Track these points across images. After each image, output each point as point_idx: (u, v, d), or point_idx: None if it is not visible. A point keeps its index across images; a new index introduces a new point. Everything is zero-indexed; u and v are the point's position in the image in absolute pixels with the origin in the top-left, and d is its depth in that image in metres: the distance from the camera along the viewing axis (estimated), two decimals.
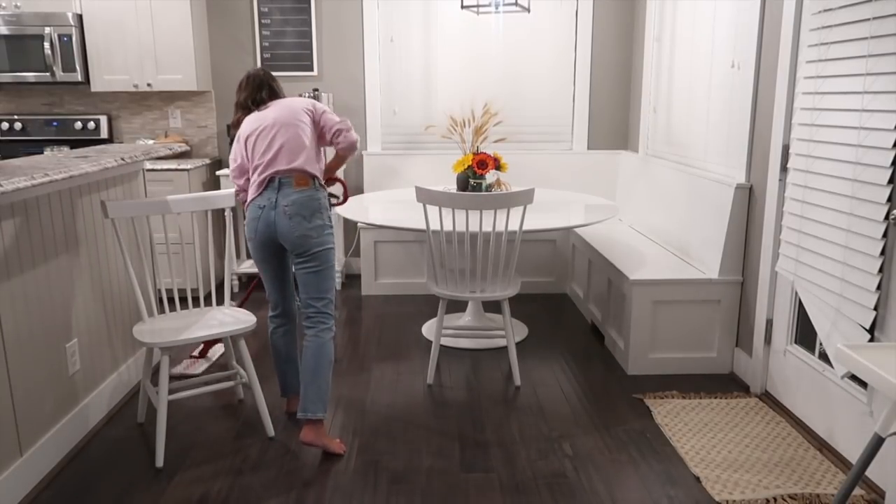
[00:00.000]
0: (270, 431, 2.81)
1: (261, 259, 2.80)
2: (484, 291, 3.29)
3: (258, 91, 2.85)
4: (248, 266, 4.96)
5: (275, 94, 2.88)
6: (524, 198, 3.07)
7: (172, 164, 4.49)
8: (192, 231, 3.17)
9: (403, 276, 4.75)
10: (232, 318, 2.77)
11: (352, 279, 4.92)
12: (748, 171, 3.30)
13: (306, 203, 2.66)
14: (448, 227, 3.45)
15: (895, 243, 2.31)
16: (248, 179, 2.76)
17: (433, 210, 3.19)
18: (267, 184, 2.68)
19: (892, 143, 2.27)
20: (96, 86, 4.67)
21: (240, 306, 3.25)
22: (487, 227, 3.44)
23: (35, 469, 2.47)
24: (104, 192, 3.03)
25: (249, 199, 2.74)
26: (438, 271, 3.38)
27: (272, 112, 2.76)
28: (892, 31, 2.28)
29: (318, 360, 2.67)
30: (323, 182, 2.79)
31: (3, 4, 4.53)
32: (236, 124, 2.83)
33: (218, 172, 4.76)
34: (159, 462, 2.59)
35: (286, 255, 2.84)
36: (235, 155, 2.79)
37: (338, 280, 4.85)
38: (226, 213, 3.00)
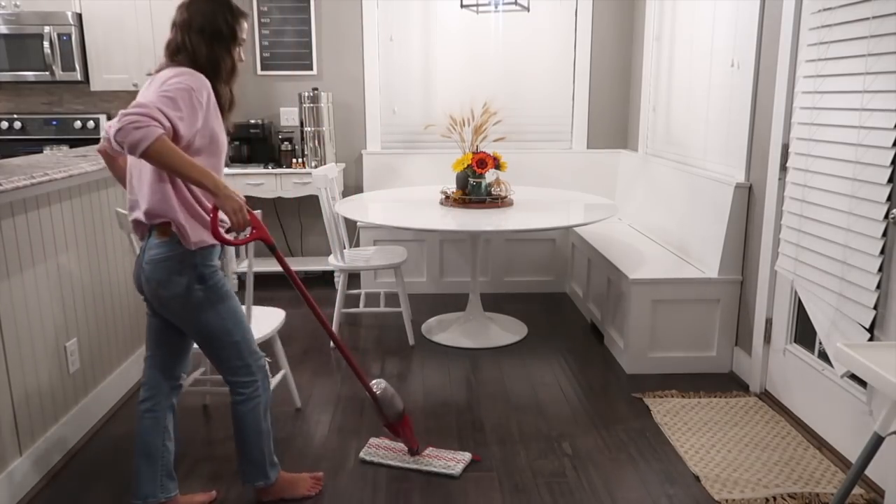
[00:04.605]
0: None
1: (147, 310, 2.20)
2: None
3: (172, 32, 2.05)
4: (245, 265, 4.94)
5: (179, 44, 2.02)
6: None
7: None
8: None
9: (403, 274, 4.75)
10: None
11: (352, 278, 4.91)
12: (748, 170, 3.30)
13: (160, 264, 2.01)
14: (447, 227, 3.45)
15: (895, 242, 2.31)
16: None
17: None
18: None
19: (891, 141, 2.27)
20: (96, 85, 4.67)
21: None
22: (488, 227, 3.44)
23: (35, 468, 2.47)
24: (103, 192, 3.02)
25: None
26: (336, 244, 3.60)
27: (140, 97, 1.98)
28: (892, 30, 2.28)
29: (239, 433, 2.23)
30: (183, 227, 1.98)
31: (3, 3, 4.53)
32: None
33: None
34: None
35: None
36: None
37: (338, 280, 4.83)
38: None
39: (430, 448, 2.69)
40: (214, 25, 2.02)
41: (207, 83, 1.99)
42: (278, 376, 2.88)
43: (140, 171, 2.02)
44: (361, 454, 2.67)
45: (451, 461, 2.59)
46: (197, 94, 1.93)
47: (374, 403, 2.51)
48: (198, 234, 2.02)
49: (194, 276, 2.03)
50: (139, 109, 1.79)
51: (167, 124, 1.83)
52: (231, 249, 2.76)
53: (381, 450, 2.69)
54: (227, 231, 2.05)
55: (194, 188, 2.00)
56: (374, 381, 2.52)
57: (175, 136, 1.87)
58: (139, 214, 2.03)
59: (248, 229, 2.02)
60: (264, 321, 2.80)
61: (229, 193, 1.92)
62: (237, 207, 1.94)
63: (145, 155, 1.78)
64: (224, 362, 2.16)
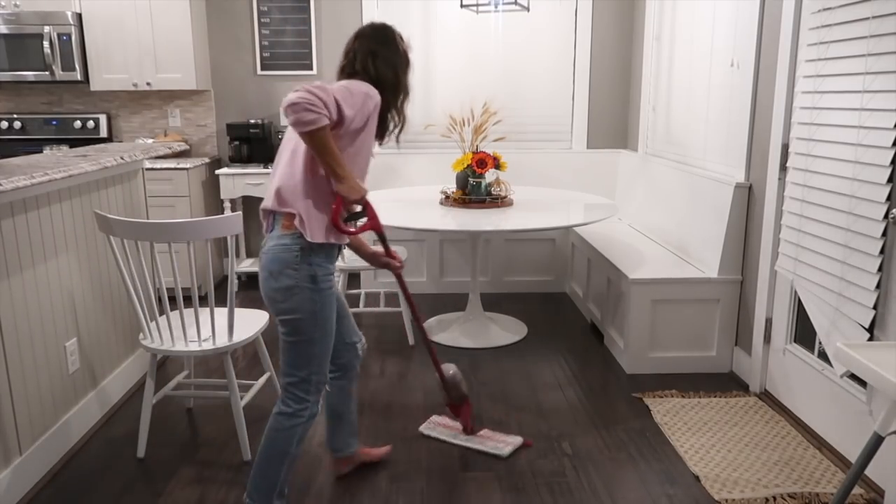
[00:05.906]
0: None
1: None
2: None
3: (344, 57, 2.21)
4: (250, 265, 4.95)
5: (357, 64, 2.15)
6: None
7: (172, 163, 4.49)
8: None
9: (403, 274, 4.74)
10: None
11: (352, 278, 4.92)
12: (747, 169, 3.30)
13: (278, 255, 2.04)
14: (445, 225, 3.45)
15: (894, 242, 2.31)
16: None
17: None
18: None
19: (891, 141, 2.27)
20: (96, 85, 4.66)
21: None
22: (487, 226, 3.44)
23: (34, 468, 2.47)
24: (103, 191, 3.02)
25: None
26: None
27: None
28: (892, 30, 2.28)
29: (266, 444, 2.15)
30: (305, 224, 2.01)
31: (3, 3, 4.53)
32: None
33: (217, 172, 4.76)
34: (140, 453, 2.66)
35: None
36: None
37: (338, 279, 4.83)
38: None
39: (485, 430, 2.84)
40: (398, 56, 2.18)
41: (379, 100, 2.09)
42: (262, 379, 2.93)
43: (292, 157, 2.06)
44: (421, 428, 2.85)
45: (501, 443, 2.74)
46: (370, 102, 2.04)
47: (441, 383, 2.72)
48: (320, 232, 2.04)
49: (307, 274, 2.04)
50: (320, 94, 1.89)
51: (335, 116, 1.93)
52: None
53: (440, 426, 2.87)
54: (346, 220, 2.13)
55: (331, 184, 2.05)
56: (445, 364, 2.73)
57: (338, 122, 1.96)
58: (269, 201, 2.08)
59: (364, 219, 2.16)
60: (247, 323, 2.73)
61: (354, 185, 2.02)
62: (356, 197, 2.03)
63: (305, 135, 1.90)
64: (290, 367, 2.12)
